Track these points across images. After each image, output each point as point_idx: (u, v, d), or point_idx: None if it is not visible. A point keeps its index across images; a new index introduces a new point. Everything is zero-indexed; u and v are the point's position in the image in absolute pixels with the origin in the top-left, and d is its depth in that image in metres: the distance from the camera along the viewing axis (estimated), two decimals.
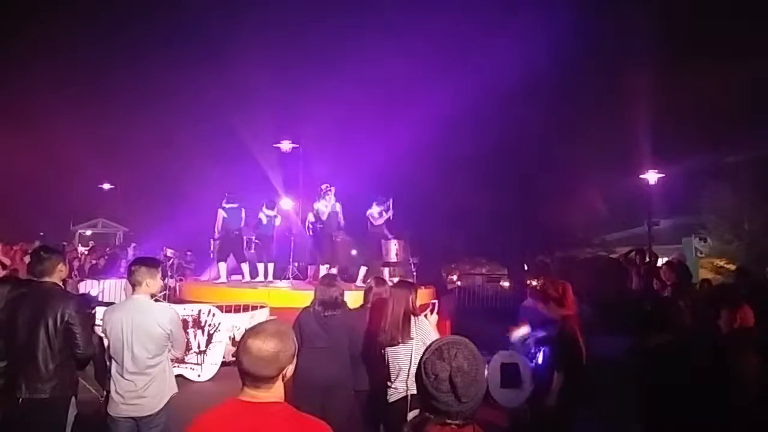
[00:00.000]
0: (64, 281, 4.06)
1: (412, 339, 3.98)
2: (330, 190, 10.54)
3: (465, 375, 1.81)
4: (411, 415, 3.79)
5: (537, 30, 18.79)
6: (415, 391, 3.83)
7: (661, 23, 19.55)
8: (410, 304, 4.14)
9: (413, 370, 3.87)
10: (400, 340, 4.00)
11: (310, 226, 11.40)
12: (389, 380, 4.05)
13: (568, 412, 4.51)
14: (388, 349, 4.06)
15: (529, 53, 18.08)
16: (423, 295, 11.37)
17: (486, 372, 5.73)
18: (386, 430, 4.27)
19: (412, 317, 4.06)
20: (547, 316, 4.97)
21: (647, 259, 9.89)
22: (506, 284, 20.71)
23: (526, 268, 20.04)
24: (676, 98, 19.58)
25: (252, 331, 2.06)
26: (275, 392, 2.01)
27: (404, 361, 3.97)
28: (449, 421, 1.81)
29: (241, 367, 1.99)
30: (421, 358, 1.91)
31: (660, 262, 10.48)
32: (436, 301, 4.53)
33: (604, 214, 23.10)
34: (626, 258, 10.50)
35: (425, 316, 4.15)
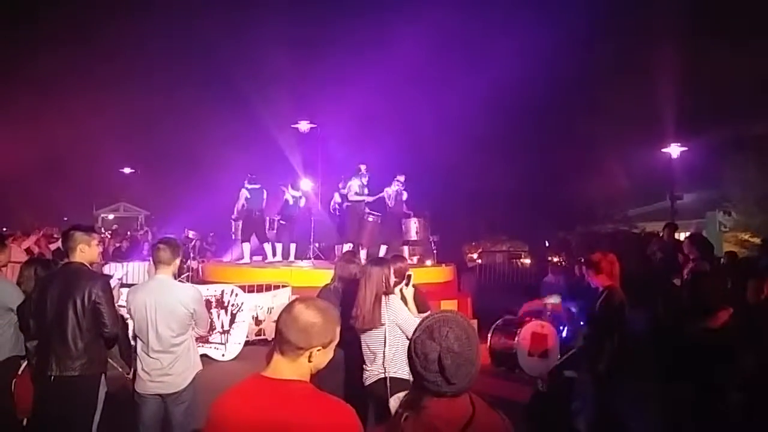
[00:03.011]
0: (91, 264, 4.10)
1: (383, 325, 3.83)
2: (367, 171, 10.57)
3: (455, 356, 1.73)
4: (393, 400, 3.72)
5: (557, 5, 18.38)
6: (393, 375, 3.75)
7: None
8: (384, 283, 3.92)
9: (389, 353, 3.81)
10: (372, 326, 3.84)
11: (336, 205, 11.40)
12: (364, 363, 3.94)
13: (612, 377, 4.55)
14: (363, 335, 3.93)
15: (549, 29, 17.74)
16: (444, 272, 11.41)
17: (515, 347, 5.66)
18: (365, 413, 4.19)
19: (384, 297, 3.88)
20: (583, 287, 5.04)
21: (675, 235, 9.74)
22: (527, 261, 20.58)
23: (547, 244, 19.91)
24: (698, 70, 19.08)
25: (303, 297, 2.12)
26: (299, 369, 1.97)
27: (379, 346, 3.85)
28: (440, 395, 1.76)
29: (276, 324, 2.02)
30: (413, 336, 1.86)
31: (681, 236, 10.35)
32: (411, 273, 4.31)
33: (625, 189, 22.78)
34: (650, 234, 10.41)
35: (401, 290, 4.01)
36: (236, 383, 2.02)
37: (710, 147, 21.21)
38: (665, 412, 4.27)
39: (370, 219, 10.51)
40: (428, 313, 4.34)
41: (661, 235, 10.21)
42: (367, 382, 3.90)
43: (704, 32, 19.23)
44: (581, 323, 5.35)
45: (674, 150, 20.99)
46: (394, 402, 3.70)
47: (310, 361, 1.97)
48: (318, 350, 1.97)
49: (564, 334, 6.90)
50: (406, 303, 3.99)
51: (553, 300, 6.94)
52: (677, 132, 20.74)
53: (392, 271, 4.81)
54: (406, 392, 3.72)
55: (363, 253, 9.96)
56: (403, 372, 3.81)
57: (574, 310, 6.35)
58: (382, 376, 3.82)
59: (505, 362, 6.90)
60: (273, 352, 2.02)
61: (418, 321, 3.84)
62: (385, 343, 3.83)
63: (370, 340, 3.91)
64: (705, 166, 22.89)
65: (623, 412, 4.72)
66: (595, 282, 4.77)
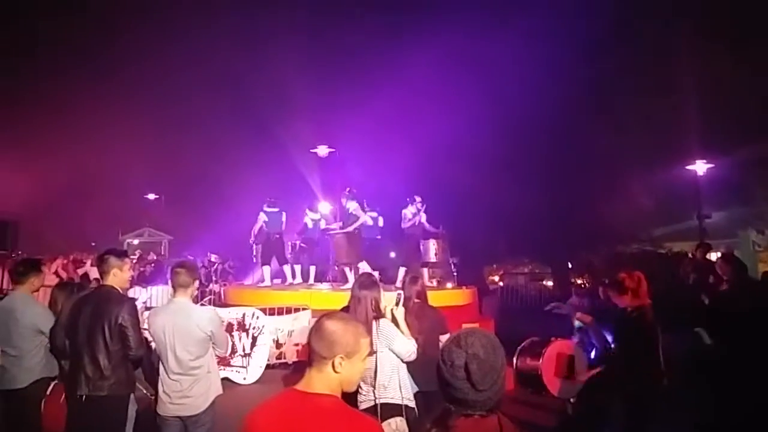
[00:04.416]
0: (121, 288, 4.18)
1: (375, 352, 3.70)
2: (347, 193, 10.66)
3: (481, 362, 1.80)
4: (385, 425, 3.61)
5: (575, 19, 18.37)
6: (384, 400, 3.69)
7: (711, 3, 18.85)
8: (374, 307, 3.80)
9: (381, 380, 3.74)
10: None
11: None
12: (359, 386, 3.80)
13: (644, 402, 4.41)
14: None
15: (568, 45, 17.68)
16: (465, 295, 11.27)
17: (520, 361, 5.48)
18: None
19: (374, 322, 3.75)
20: (608, 310, 4.90)
21: (707, 255, 9.49)
22: (550, 283, 20.28)
23: (570, 266, 19.62)
24: (723, 84, 18.82)
25: (330, 312, 2.21)
26: (328, 382, 2.02)
27: (370, 371, 3.73)
28: (471, 412, 1.80)
29: (307, 339, 2.12)
30: (442, 346, 1.92)
31: (714, 256, 10.10)
32: (401, 291, 4.22)
33: (650, 208, 22.40)
34: (677, 254, 10.18)
35: (391, 310, 3.89)
36: (270, 397, 2.08)
37: (739, 163, 20.75)
38: None
39: (337, 236, 10.63)
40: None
41: (692, 255, 9.96)
42: (361, 407, 3.82)
43: (729, 45, 18.99)
44: (608, 345, 5.19)
45: (700, 167, 20.65)
46: (385, 426, 3.61)
47: (336, 372, 2.01)
48: (341, 359, 2.01)
49: (592, 355, 6.74)
50: (397, 324, 3.88)
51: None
52: (703, 148, 20.41)
53: (413, 291, 4.76)
54: (397, 417, 3.67)
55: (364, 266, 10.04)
56: (395, 397, 3.75)
57: (593, 334, 6.19)
58: (373, 403, 3.75)
59: (531, 384, 6.74)
60: (292, 375, 2.06)
61: (412, 343, 3.83)
62: (376, 370, 3.74)
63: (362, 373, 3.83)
64: (735, 184, 22.42)
65: None
66: (619, 302, 4.60)
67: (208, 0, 24.16)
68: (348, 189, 10.79)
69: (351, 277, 10.43)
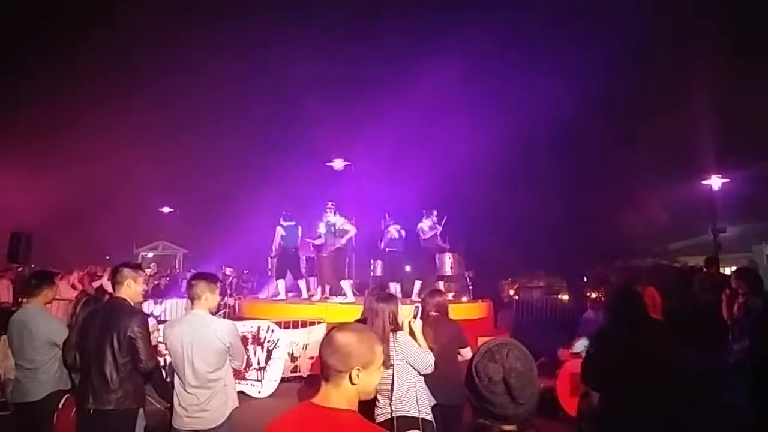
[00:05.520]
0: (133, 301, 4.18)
1: (392, 365, 3.72)
2: (329, 208, 10.68)
3: (519, 375, 1.76)
4: None
5: (593, 36, 18.40)
6: (401, 414, 3.69)
7: (726, 19, 18.83)
8: (391, 320, 3.81)
9: (398, 393, 3.73)
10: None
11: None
12: (376, 399, 3.82)
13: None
14: None
15: (583, 60, 17.72)
16: (480, 308, 11.24)
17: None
18: None
19: (391, 335, 3.76)
20: None
21: (719, 269, 9.42)
22: (565, 297, 20.11)
23: (585, 279, 19.45)
24: (738, 98, 18.73)
25: (340, 325, 2.14)
26: (345, 395, 1.98)
27: (386, 384, 3.73)
28: (507, 428, 1.76)
29: (319, 354, 2.06)
30: (471, 361, 1.87)
31: (728, 270, 10.01)
32: (419, 305, 4.25)
33: (665, 222, 22.26)
34: (692, 268, 10.07)
35: (409, 323, 3.91)
36: (288, 409, 2.05)
37: (754, 178, 20.62)
38: None
39: (323, 255, 10.69)
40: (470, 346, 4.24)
41: (706, 270, 9.87)
42: (377, 420, 3.82)
43: (745, 61, 18.93)
44: None
45: (715, 182, 20.52)
46: None
47: (353, 384, 1.97)
48: (358, 371, 1.97)
49: None
50: (414, 337, 3.88)
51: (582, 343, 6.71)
52: (718, 163, 20.32)
53: (431, 305, 4.75)
54: (414, 431, 3.60)
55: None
56: (411, 410, 3.74)
57: None
58: (390, 416, 3.74)
59: (546, 405, 6.67)
60: (306, 389, 2.06)
61: (429, 356, 3.81)
62: (393, 383, 3.73)
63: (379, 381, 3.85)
64: (750, 198, 22.26)
65: None
66: None
67: (226, 18, 24.54)
68: (331, 203, 10.82)
69: (348, 290, 10.51)
